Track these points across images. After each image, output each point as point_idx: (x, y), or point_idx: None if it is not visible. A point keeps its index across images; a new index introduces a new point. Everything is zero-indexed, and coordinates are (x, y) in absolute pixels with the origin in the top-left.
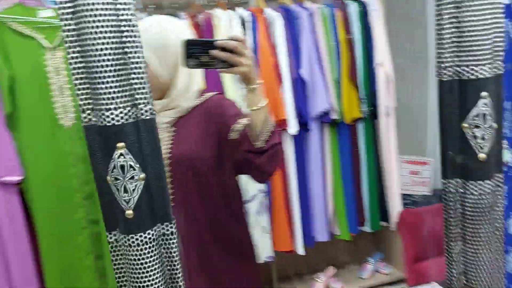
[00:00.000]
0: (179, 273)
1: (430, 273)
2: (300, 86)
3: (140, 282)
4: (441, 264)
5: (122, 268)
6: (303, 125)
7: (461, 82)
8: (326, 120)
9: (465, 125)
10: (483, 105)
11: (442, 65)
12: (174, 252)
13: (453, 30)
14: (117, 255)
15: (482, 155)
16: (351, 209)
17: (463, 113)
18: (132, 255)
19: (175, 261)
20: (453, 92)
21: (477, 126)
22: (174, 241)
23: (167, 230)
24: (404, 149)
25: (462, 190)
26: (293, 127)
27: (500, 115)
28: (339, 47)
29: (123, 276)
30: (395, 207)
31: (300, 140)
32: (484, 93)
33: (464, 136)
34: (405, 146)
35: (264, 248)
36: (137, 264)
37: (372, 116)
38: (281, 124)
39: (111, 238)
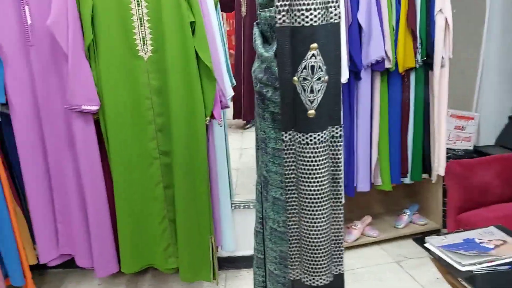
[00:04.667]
0: (341, 174)
1: (470, 223)
2: (355, 32)
3: (311, 178)
4: (482, 215)
5: (292, 165)
6: (354, 72)
7: None
8: (378, 68)
9: None
10: None
11: None
12: (340, 155)
13: None
14: (289, 153)
15: None
16: (395, 159)
17: None
18: (307, 152)
19: (339, 163)
20: None
21: None
22: (341, 144)
23: (337, 133)
24: (450, 102)
25: None
26: (344, 75)
27: None
28: None
29: (291, 173)
30: (441, 159)
31: (349, 89)
32: None
33: None
34: (451, 99)
35: None
36: (311, 161)
37: (425, 66)
38: None
39: (286, 137)
